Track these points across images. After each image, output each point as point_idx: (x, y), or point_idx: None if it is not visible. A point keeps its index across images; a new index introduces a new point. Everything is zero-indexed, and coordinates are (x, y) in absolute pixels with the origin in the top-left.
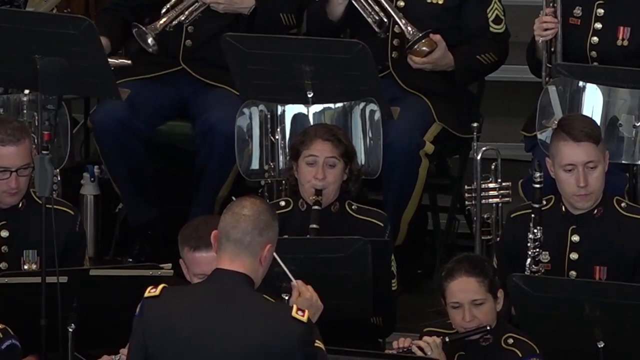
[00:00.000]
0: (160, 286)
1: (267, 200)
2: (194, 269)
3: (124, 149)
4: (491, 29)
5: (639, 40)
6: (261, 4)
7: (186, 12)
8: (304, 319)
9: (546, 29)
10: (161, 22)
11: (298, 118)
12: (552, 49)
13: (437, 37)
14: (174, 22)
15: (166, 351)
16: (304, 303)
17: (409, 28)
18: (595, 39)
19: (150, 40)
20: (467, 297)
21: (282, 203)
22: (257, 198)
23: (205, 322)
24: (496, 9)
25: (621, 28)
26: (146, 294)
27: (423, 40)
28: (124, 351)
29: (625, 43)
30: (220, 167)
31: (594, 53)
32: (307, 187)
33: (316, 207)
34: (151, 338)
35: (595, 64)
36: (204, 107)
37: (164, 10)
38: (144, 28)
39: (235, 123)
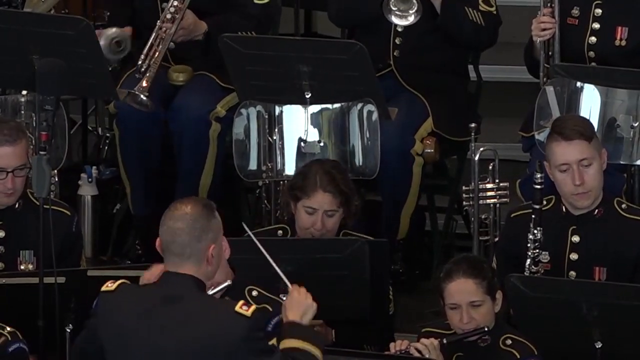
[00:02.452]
0: (118, 282)
1: (265, 202)
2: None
3: (143, 136)
4: (481, 7)
5: (637, 40)
6: (215, 25)
7: (158, 54)
8: (248, 313)
9: (544, 29)
10: (144, 83)
11: (296, 118)
12: (550, 53)
13: None
14: (154, 70)
15: (114, 345)
16: (291, 302)
17: None
18: (593, 39)
19: (143, 99)
20: (465, 299)
21: (280, 232)
22: (189, 202)
23: (151, 318)
24: None
25: (619, 28)
26: (103, 288)
27: None
28: None
29: (623, 43)
30: (194, 152)
31: (591, 53)
32: (304, 233)
33: None
34: (101, 331)
35: (593, 64)
36: (178, 93)
37: (140, 62)
38: (134, 91)
39: (206, 106)
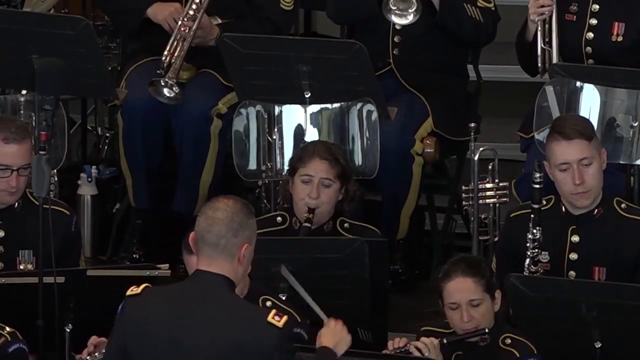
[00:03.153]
0: (143, 285)
1: (265, 201)
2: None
3: (148, 128)
4: (479, 3)
5: (634, 36)
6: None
7: (180, 51)
8: (280, 324)
9: (542, 6)
10: (170, 74)
11: (295, 118)
12: (547, 39)
13: None
14: (177, 66)
15: (143, 349)
16: (328, 331)
17: None
18: (590, 34)
19: (170, 96)
20: (464, 298)
21: (279, 219)
22: (231, 198)
23: (181, 321)
24: None
25: (616, 24)
26: (128, 293)
27: None
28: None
29: (620, 39)
30: (194, 147)
31: (589, 49)
32: (300, 205)
33: (307, 224)
34: (130, 336)
35: (590, 60)
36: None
37: (163, 58)
38: (162, 81)
39: (207, 102)
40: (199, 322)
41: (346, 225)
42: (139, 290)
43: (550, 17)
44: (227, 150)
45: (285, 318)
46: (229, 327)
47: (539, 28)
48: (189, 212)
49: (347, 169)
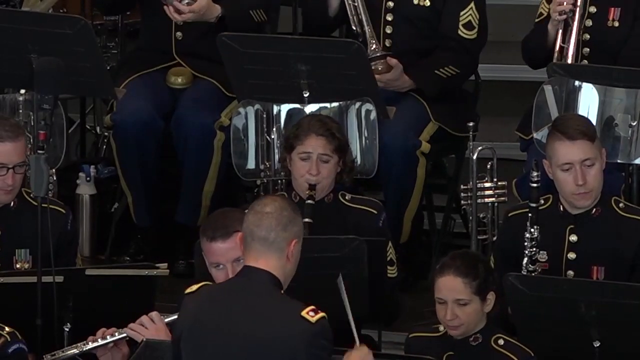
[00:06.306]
0: (201, 284)
1: None
2: (210, 258)
3: (141, 149)
4: (460, 32)
5: (629, 21)
6: (228, 7)
7: None
8: (313, 319)
9: (561, 4)
10: None
11: (294, 117)
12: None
13: (393, 62)
14: None
15: (189, 343)
16: (357, 357)
17: (373, 44)
18: (589, 21)
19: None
20: (452, 296)
21: None
22: (278, 195)
23: (220, 315)
24: (470, 14)
25: (612, 9)
26: (186, 291)
27: (381, 60)
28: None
29: (616, 24)
30: (197, 159)
31: (586, 35)
32: (300, 182)
33: (309, 201)
34: (183, 331)
35: (586, 48)
36: (181, 99)
37: None
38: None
39: (211, 115)
40: (235, 317)
41: (347, 197)
42: (195, 288)
43: (573, 17)
44: (228, 155)
45: (320, 314)
46: (263, 322)
47: (560, 28)
48: (192, 223)
49: (343, 142)
